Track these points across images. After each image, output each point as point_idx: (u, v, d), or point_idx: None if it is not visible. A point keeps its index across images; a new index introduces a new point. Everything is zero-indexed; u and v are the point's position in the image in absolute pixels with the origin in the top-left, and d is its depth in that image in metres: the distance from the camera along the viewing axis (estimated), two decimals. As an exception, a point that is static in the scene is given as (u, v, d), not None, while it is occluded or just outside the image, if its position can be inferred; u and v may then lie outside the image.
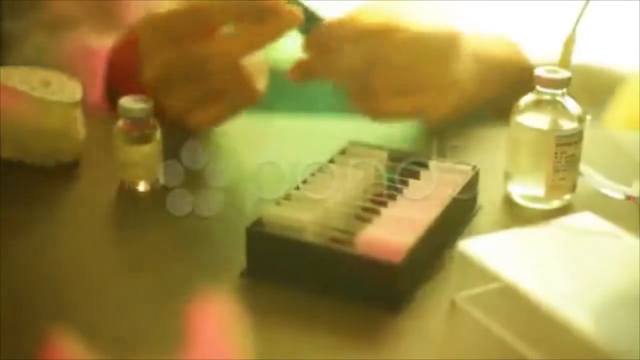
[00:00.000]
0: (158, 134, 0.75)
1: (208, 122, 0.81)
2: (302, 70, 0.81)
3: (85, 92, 0.81)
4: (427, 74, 0.82)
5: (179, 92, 0.78)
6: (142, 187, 0.75)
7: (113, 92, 0.87)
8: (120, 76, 0.88)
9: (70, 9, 0.95)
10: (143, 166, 0.75)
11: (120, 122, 0.75)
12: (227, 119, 0.81)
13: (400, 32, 0.79)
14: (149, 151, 0.75)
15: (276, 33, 0.76)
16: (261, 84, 0.81)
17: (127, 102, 0.74)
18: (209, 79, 0.77)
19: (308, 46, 0.79)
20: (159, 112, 0.77)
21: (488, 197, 0.75)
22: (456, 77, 0.83)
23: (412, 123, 0.88)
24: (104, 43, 0.90)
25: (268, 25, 0.75)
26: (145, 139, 0.74)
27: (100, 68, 0.88)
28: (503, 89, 0.86)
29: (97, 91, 0.88)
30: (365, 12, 0.79)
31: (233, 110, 0.81)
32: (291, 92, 0.93)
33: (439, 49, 0.81)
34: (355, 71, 0.80)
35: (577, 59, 0.76)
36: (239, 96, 0.80)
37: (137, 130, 0.74)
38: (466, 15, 0.83)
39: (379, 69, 0.79)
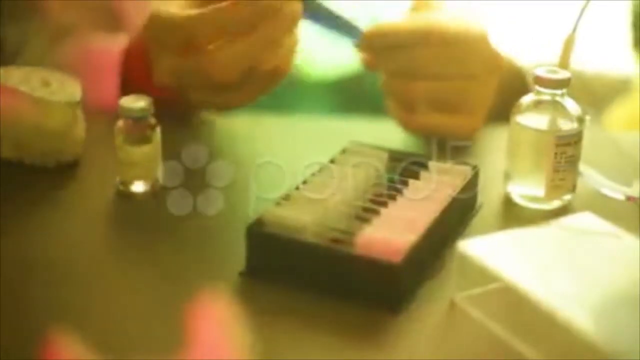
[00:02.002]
0: (158, 134, 0.75)
1: (232, 106, 0.82)
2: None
3: (94, 93, 0.81)
4: (467, 95, 0.82)
5: (193, 89, 0.80)
6: (142, 187, 0.75)
7: (129, 92, 0.87)
8: (137, 76, 0.88)
9: (74, 13, 0.95)
10: (143, 166, 0.75)
11: (120, 122, 0.74)
12: (255, 99, 0.82)
13: (441, 46, 0.79)
14: (149, 151, 0.75)
15: (279, 33, 0.76)
16: (287, 63, 0.81)
17: (127, 102, 0.74)
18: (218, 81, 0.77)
19: (361, 47, 0.80)
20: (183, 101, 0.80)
21: (488, 197, 0.75)
22: (491, 98, 0.83)
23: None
24: (112, 44, 0.90)
25: (267, 27, 0.75)
26: (145, 139, 0.74)
27: (112, 68, 0.88)
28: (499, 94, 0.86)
29: (110, 91, 0.88)
30: (406, 21, 0.80)
31: (256, 93, 0.81)
32: (295, 92, 0.93)
33: (482, 72, 0.81)
34: (396, 79, 0.81)
35: (576, 63, 0.76)
36: (255, 86, 0.80)
37: (137, 130, 0.74)
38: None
39: (419, 80, 0.80)
